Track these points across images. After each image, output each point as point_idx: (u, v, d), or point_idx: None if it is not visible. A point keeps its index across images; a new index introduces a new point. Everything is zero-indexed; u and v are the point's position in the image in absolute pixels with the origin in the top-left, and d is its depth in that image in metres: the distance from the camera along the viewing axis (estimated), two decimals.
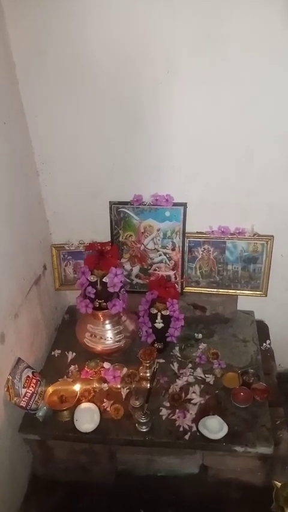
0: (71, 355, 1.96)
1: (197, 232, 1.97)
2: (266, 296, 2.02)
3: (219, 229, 1.93)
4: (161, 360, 1.90)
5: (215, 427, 1.58)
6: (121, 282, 1.74)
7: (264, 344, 2.03)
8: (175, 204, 1.89)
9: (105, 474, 1.85)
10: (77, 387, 1.72)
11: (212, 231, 1.94)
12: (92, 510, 1.77)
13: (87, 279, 1.74)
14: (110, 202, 1.93)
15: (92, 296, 1.74)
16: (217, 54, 1.59)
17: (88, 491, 1.85)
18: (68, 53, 1.64)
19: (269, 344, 2.04)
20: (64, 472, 1.86)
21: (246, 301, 2.10)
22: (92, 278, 1.73)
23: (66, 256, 2.09)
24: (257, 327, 2.10)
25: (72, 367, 1.89)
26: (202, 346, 1.97)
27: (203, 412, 1.64)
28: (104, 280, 1.73)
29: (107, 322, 1.82)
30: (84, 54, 1.64)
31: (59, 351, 2.00)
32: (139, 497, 1.82)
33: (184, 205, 1.89)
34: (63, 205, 2.00)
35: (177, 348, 1.96)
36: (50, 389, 1.71)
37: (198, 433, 1.60)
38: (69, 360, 1.94)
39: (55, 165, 1.91)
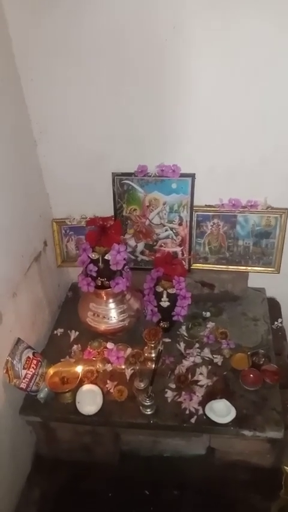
0: (74, 334, 1.89)
1: (205, 205, 1.84)
2: (279, 273, 1.91)
3: (230, 202, 1.80)
4: (167, 340, 1.83)
5: (222, 410, 1.51)
6: (124, 259, 1.64)
7: (275, 323, 1.94)
8: (182, 175, 1.76)
9: (109, 455, 1.82)
10: (79, 368, 1.66)
11: (222, 204, 1.82)
12: (96, 491, 1.73)
13: (89, 256, 1.65)
14: (112, 173, 1.81)
15: (94, 274, 1.65)
16: (229, 11, 1.42)
17: (92, 472, 1.81)
18: (66, 10, 1.48)
19: (281, 323, 1.95)
20: (67, 452, 1.82)
21: (257, 278, 1.99)
22: (94, 255, 1.64)
23: (68, 231, 1.99)
24: (268, 305, 2.00)
25: (75, 346, 1.82)
26: (210, 325, 1.88)
27: (210, 395, 1.57)
28: (106, 257, 1.64)
29: (110, 301, 1.73)
30: (82, 11, 1.48)
31: (62, 330, 1.93)
32: (144, 478, 1.79)
33: (192, 176, 1.76)
34: (63, 177, 1.89)
35: (183, 327, 1.88)
36: (51, 370, 1.65)
37: (205, 417, 1.53)
38: (72, 339, 1.88)
39: (54, 134, 1.78)
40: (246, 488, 1.71)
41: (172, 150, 1.75)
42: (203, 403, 1.56)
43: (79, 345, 1.82)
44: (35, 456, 1.86)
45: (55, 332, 1.93)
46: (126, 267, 1.68)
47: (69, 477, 1.81)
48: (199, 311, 1.96)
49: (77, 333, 1.89)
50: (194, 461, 1.80)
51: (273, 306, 2.02)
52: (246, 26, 1.44)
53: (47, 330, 1.96)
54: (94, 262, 1.65)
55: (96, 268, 1.65)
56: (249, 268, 1.92)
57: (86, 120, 1.73)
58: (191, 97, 1.61)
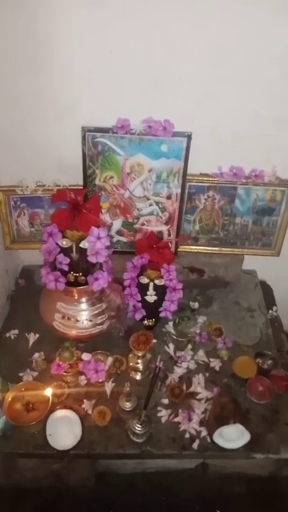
0: (33, 338, 1.48)
1: (200, 174, 1.46)
2: (279, 256, 1.62)
3: (231, 170, 1.44)
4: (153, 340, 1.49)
5: (232, 434, 1.24)
6: (106, 247, 1.24)
7: (270, 311, 1.68)
8: (176, 135, 1.36)
9: (84, 479, 1.50)
10: (49, 391, 1.27)
11: (221, 173, 1.45)
12: None
13: (57, 244, 1.22)
14: (82, 128, 1.35)
15: (65, 268, 1.23)
16: None
17: (62, 498, 1.50)
18: None
19: (276, 311, 1.69)
20: (32, 480, 1.47)
21: (248, 259, 1.70)
22: (64, 243, 1.21)
23: (18, 203, 1.51)
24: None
25: (36, 355, 1.42)
26: (201, 319, 1.57)
27: (214, 413, 1.27)
28: (81, 245, 1.22)
29: (84, 299, 1.33)
30: None
31: (16, 332, 1.51)
32: (126, 500, 1.51)
33: (188, 136, 1.36)
34: (14, 128, 1.39)
35: (170, 323, 1.55)
36: (10, 395, 1.24)
37: (209, 440, 1.25)
38: (30, 344, 1.47)
39: (4, 64, 1.25)
40: (243, 501, 1.51)
41: (165, 101, 1.32)
42: (208, 425, 1.27)
43: (42, 353, 1.43)
44: None
45: (7, 335, 1.50)
46: (106, 257, 1.28)
47: (35, 507, 1.48)
48: (185, 301, 1.63)
49: (37, 335, 1.48)
50: (183, 476, 1.54)
51: (266, 292, 1.76)
52: None
53: None
54: (65, 251, 1.23)
55: (68, 260, 1.23)
56: (246, 250, 1.61)
57: (51, 49, 1.22)
58: (195, 33, 1.18)
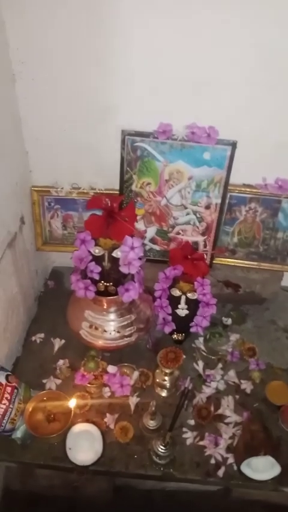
0: (58, 343, 1.44)
1: (243, 184, 1.38)
2: None
3: (277, 182, 1.36)
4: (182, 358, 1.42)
5: (261, 465, 1.16)
6: (139, 258, 1.18)
7: None
8: (219, 142, 1.28)
9: (102, 491, 1.46)
10: (72, 403, 1.23)
11: (265, 185, 1.37)
12: None
13: (89, 252, 1.17)
14: (122, 131, 1.30)
15: (96, 277, 1.18)
16: None
17: (78, 509, 1.46)
18: None
19: None
20: (47, 488, 1.44)
21: (287, 276, 1.60)
22: (97, 251, 1.16)
23: (52, 204, 1.48)
24: None
25: (61, 362, 1.38)
26: (234, 337, 1.49)
27: (244, 443, 1.19)
28: (114, 254, 1.17)
29: (113, 309, 1.29)
30: None
31: (42, 335, 1.48)
32: None
33: (233, 144, 1.28)
34: (50, 129, 1.35)
35: (200, 339, 1.48)
36: (30, 406, 1.20)
37: (236, 469, 1.18)
38: (55, 350, 1.43)
39: (41, 67, 1.22)
40: None
41: (208, 106, 1.25)
42: (236, 453, 1.20)
43: (66, 360, 1.39)
44: (4, 491, 1.47)
45: (33, 338, 1.47)
46: (139, 267, 1.22)
47: None
48: (218, 316, 1.55)
49: (63, 341, 1.45)
50: (204, 496, 1.47)
51: None
52: None
53: (21, 333, 1.49)
54: (97, 260, 1.18)
55: (100, 269, 1.18)
56: (286, 267, 1.52)
57: (88, 50, 1.18)
58: (243, 27, 1.10)
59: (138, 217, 1.43)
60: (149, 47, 1.17)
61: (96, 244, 1.17)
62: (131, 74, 1.22)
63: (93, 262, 1.18)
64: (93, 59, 1.20)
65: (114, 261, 1.17)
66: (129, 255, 1.16)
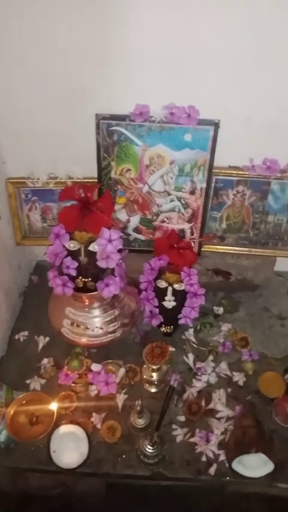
0: (43, 341, 1.39)
1: (229, 166, 1.30)
2: None
3: (265, 163, 1.27)
4: (170, 348, 1.36)
5: (253, 462, 1.11)
6: (118, 251, 1.11)
7: None
8: (201, 122, 1.19)
9: (94, 489, 1.42)
10: (54, 406, 1.18)
11: (253, 166, 1.28)
12: None
13: (64, 246, 1.10)
14: (96, 115, 1.21)
15: (73, 273, 1.12)
16: None
17: (70, 508, 1.43)
18: None
19: None
20: (40, 489, 1.41)
21: (280, 261, 1.53)
22: (72, 246, 1.10)
23: (29, 196, 1.41)
24: None
25: (45, 360, 1.33)
26: (225, 326, 1.43)
27: (235, 440, 1.14)
28: (90, 248, 1.10)
29: (96, 305, 1.23)
30: None
31: (26, 333, 1.43)
32: (138, 510, 1.43)
33: (215, 124, 1.20)
34: (21, 117, 1.27)
35: (190, 330, 1.42)
36: (11, 410, 1.15)
37: (228, 467, 1.13)
38: (40, 348, 1.38)
39: (11, 49, 1.13)
40: None
41: (189, 84, 1.16)
42: (227, 450, 1.15)
43: (51, 359, 1.33)
44: None
45: (16, 337, 1.42)
46: (120, 260, 1.15)
47: None
48: (208, 305, 1.49)
49: (47, 338, 1.39)
50: (200, 488, 1.43)
51: None
52: None
53: (5, 331, 1.44)
54: (73, 254, 1.11)
55: (76, 264, 1.11)
56: (278, 251, 1.45)
57: (55, 23, 1.08)
58: None
59: (119, 206, 1.35)
60: (120, 23, 1.07)
61: (72, 238, 1.11)
62: (103, 53, 1.12)
63: (69, 258, 1.11)
64: (61, 40, 1.10)
65: (92, 255, 1.11)
66: (106, 248, 1.09)
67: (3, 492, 1.43)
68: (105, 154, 1.27)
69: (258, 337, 1.42)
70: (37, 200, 1.41)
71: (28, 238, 1.48)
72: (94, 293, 1.16)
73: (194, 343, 1.40)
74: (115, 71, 1.15)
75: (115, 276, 1.14)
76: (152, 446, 1.12)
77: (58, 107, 1.23)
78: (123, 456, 1.17)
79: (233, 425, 1.19)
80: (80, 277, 1.13)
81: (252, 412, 1.22)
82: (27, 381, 1.28)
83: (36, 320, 1.44)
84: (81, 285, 1.14)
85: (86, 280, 1.13)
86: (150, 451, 1.13)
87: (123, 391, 1.26)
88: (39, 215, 1.43)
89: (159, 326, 1.37)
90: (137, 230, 1.41)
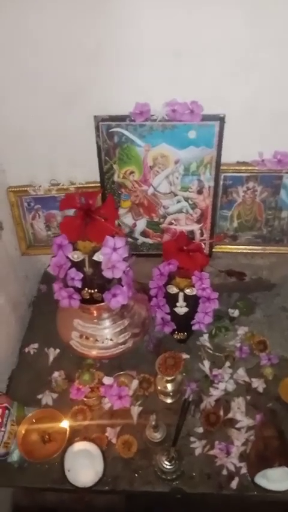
0: (53, 353, 1.35)
1: (237, 162, 1.23)
2: None
3: (275, 156, 1.20)
4: (184, 355, 1.32)
5: (277, 475, 1.05)
6: (124, 259, 1.06)
7: None
8: (205, 118, 1.13)
9: (114, 502, 1.38)
10: (65, 423, 1.13)
11: (263, 160, 1.21)
12: None
13: (68, 258, 1.05)
14: (95, 117, 1.15)
15: (78, 284, 1.07)
16: None
17: None
18: None
19: None
20: (58, 502, 1.38)
21: None
22: (76, 256, 1.05)
23: (32, 204, 1.36)
24: None
25: (56, 373, 1.29)
26: (242, 330, 1.37)
27: (257, 453, 1.08)
28: (95, 258, 1.05)
29: (105, 316, 1.18)
30: None
31: (36, 346, 1.39)
32: None
33: (221, 119, 1.13)
34: (18, 123, 1.22)
35: (205, 336, 1.36)
36: (22, 429, 1.12)
37: (250, 480, 1.07)
38: (51, 361, 1.34)
39: (3, 48, 1.08)
40: None
41: (190, 79, 1.09)
42: (248, 463, 1.09)
43: (62, 372, 1.29)
44: (14, 508, 1.42)
45: (26, 350, 1.38)
46: (127, 267, 1.10)
47: None
48: (223, 308, 1.42)
49: (57, 350, 1.35)
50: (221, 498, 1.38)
51: None
52: None
53: (15, 344, 1.41)
54: (77, 265, 1.06)
55: (81, 275, 1.06)
56: None
57: (47, 19, 1.03)
58: None
59: (125, 210, 1.30)
60: (113, 17, 1.01)
61: (75, 249, 1.06)
62: (97, 50, 1.07)
63: (73, 269, 1.06)
64: (51, 38, 1.05)
65: (97, 265, 1.06)
66: (112, 257, 1.04)
67: (22, 507, 1.41)
68: (106, 158, 1.21)
69: (277, 340, 1.35)
70: (40, 208, 1.36)
71: (33, 248, 1.44)
72: (102, 304, 1.11)
73: (210, 348, 1.34)
74: (111, 69, 1.09)
75: (122, 286, 1.09)
76: (169, 462, 1.07)
77: (54, 110, 1.17)
78: (140, 472, 1.12)
79: (254, 436, 1.13)
80: (86, 289, 1.08)
81: (273, 420, 1.16)
82: (39, 396, 1.25)
83: (46, 331, 1.40)
84: (88, 297, 1.09)
85: (92, 291, 1.08)
86: (168, 467, 1.08)
87: (138, 403, 1.21)
88: (43, 223, 1.39)
89: (172, 333, 1.32)
90: (144, 234, 1.35)
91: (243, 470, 1.10)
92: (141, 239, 1.36)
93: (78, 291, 1.09)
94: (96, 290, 1.08)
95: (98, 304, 1.11)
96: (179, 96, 1.11)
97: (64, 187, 1.30)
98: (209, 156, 1.19)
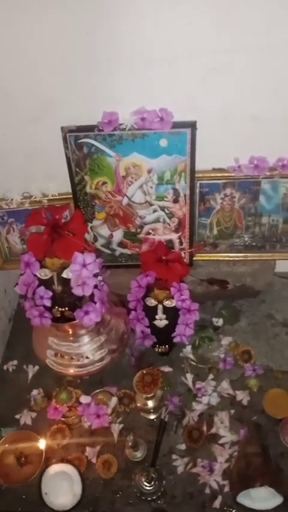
0: (32, 370, 1.31)
1: (213, 169, 1.19)
2: None
3: (251, 162, 1.15)
4: (167, 369, 1.28)
5: (262, 494, 1.01)
6: (95, 275, 1.02)
7: None
8: (176, 125, 1.08)
9: None
10: (42, 443, 1.10)
11: (239, 166, 1.16)
12: None
13: (35, 275, 1.02)
14: (62, 128, 1.11)
15: (47, 303, 1.03)
16: None
17: None
18: None
19: None
20: None
21: (280, 264, 1.41)
22: (43, 274, 1.01)
23: (5, 218, 1.32)
24: None
25: (34, 391, 1.26)
26: (226, 340, 1.33)
27: (238, 471, 1.04)
28: (64, 275, 1.01)
29: (81, 333, 1.14)
30: None
31: (15, 363, 1.35)
32: None
33: (192, 125, 1.09)
34: None
35: (188, 347, 1.32)
36: None
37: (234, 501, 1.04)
38: (30, 378, 1.31)
39: None
40: None
41: (160, 86, 1.05)
42: (230, 482, 1.05)
43: (40, 389, 1.26)
44: None
45: (5, 367, 1.35)
46: (101, 282, 1.06)
47: None
48: (207, 316, 1.39)
49: (37, 367, 1.32)
50: None
51: None
52: None
53: None
54: (46, 283, 1.02)
55: (50, 294, 1.03)
56: (277, 254, 1.33)
57: (9, 29, 0.99)
58: None
59: (99, 222, 1.26)
60: (77, 27, 0.97)
61: (43, 266, 1.02)
62: (63, 60, 1.02)
63: (41, 287, 1.02)
64: (14, 52, 1.01)
65: (66, 283, 1.02)
66: (81, 273, 1.00)
67: None
68: (77, 169, 1.17)
69: (262, 349, 1.31)
70: (14, 222, 1.32)
71: (10, 262, 1.40)
72: (75, 322, 1.07)
73: (193, 360, 1.30)
74: (80, 79, 1.05)
75: (95, 302, 1.05)
76: (148, 483, 1.04)
77: (20, 123, 1.13)
78: (121, 492, 1.08)
79: (237, 454, 1.09)
80: (56, 307, 1.04)
81: (257, 435, 1.12)
82: (17, 416, 1.21)
83: (26, 347, 1.36)
84: (59, 315, 1.06)
85: (63, 309, 1.05)
86: (147, 488, 1.04)
87: (118, 420, 1.18)
88: (17, 237, 1.35)
89: (153, 346, 1.28)
90: (121, 245, 1.31)
91: (227, 489, 1.06)
92: (119, 250, 1.32)
93: (49, 309, 1.05)
94: (67, 308, 1.05)
95: (71, 322, 1.08)
96: (151, 105, 1.07)
97: (37, 200, 1.26)
98: (182, 164, 1.15)
